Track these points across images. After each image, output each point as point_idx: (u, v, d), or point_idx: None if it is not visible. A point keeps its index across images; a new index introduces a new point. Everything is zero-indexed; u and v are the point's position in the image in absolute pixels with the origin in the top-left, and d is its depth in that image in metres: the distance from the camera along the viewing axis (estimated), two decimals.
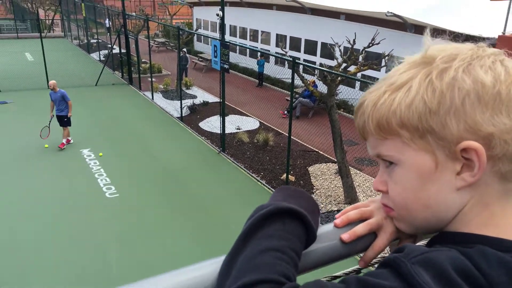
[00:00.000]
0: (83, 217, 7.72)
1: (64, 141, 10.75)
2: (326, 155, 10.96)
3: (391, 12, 13.58)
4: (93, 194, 8.61)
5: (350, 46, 8.26)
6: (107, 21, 24.85)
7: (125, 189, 8.84)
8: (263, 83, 19.08)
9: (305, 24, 18.34)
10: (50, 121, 10.68)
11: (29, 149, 10.63)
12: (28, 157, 10.21)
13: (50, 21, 35.47)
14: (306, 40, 18.65)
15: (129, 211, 8.02)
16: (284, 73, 18.23)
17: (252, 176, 9.72)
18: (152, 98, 15.82)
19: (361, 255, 0.73)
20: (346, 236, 0.70)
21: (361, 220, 0.73)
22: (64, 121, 10.60)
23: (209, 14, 25.25)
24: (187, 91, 17.29)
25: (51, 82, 10.75)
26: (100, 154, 10.49)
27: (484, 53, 0.58)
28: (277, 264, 0.54)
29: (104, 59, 21.20)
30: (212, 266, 0.60)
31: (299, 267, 0.62)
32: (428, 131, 0.57)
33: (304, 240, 0.63)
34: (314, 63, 16.75)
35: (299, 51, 18.95)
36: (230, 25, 24.74)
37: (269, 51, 19.46)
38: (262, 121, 13.76)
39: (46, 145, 10.64)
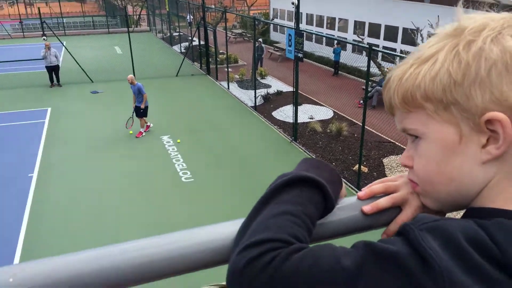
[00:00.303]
0: (160, 198, 8.25)
1: (142, 130, 11.46)
2: (402, 146, 10.47)
3: None
4: (170, 178, 9.13)
5: (433, 30, 7.76)
6: (188, 16, 25.95)
7: (200, 175, 9.24)
8: (339, 71, 18.67)
9: (385, 9, 17.55)
10: (133, 112, 11.47)
11: (117, 134, 11.54)
12: (116, 141, 11.10)
13: (137, 16, 37.91)
14: (386, 26, 17.86)
15: (202, 195, 8.38)
16: (361, 61, 17.66)
17: None
18: (228, 88, 16.27)
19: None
20: (368, 208, 0.69)
21: (386, 194, 0.71)
22: (140, 112, 11.30)
23: (285, 3, 25.15)
24: (262, 81, 17.50)
25: (128, 76, 11.52)
26: (178, 140, 11.06)
27: None
28: (289, 226, 0.56)
29: (184, 51, 22.18)
30: (233, 227, 0.63)
31: (315, 233, 0.64)
32: (452, 103, 0.56)
33: (322, 208, 0.64)
34: (394, 50, 15.98)
35: (378, 37, 18.21)
36: (306, 14, 24.48)
37: (346, 38, 18.95)
38: (336, 111, 13.51)
39: (131, 132, 11.47)
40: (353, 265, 0.50)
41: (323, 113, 13.29)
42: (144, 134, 11.47)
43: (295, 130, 11.08)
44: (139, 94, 11.20)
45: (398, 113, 0.64)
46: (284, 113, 13.20)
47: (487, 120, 0.54)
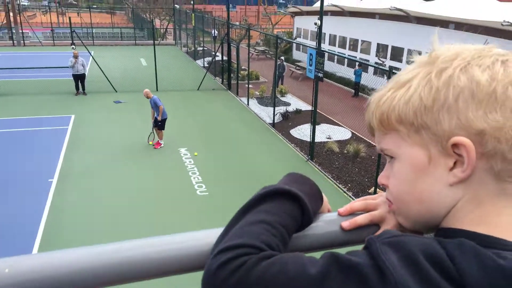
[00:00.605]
0: (174, 209, 8.32)
1: (160, 141, 11.63)
2: None
3: (508, 21, 12.36)
4: (186, 190, 9.21)
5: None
6: (213, 31, 26.48)
7: (215, 189, 9.30)
8: (360, 93, 18.62)
9: (409, 33, 17.53)
10: (153, 127, 11.66)
11: (136, 144, 11.75)
12: (134, 151, 11.30)
13: (164, 30, 38.84)
14: (409, 50, 17.80)
15: (216, 210, 8.40)
16: (382, 84, 17.59)
17: (339, 186, 9.55)
18: (248, 104, 16.41)
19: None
20: (346, 223, 0.72)
21: (366, 211, 0.74)
22: (158, 124, 11.49)
23: (309, 23, 25.40)
24: (282, 98, 17.60)
25: (144, 91, 11.70)
26: (196, 154, 11.18)
27: (488, 53, 0.59)
28: (263, 234, 0.60)
29: (207, 65, 22.56)
30: (216, 234, 0.67)
31: (294, 245, 0.69)
32: (422, 127, 0.59)
33: (300, 220, 0.67)
34: None
35: (401, 61, 18.16)
36: (330, 34, 24.64)
37: (368, 61, 18.96)
38: (354, 132, 13.45)
39: (150, 142, 11.65)
40: (318, 273, 0.53)
41: (341, 133, 13.25)
42: (162, 145, 11.62)
43: (311, 149, 11.07)
44: (155, 106, 11.41)
45: (376, 134, 0.68)
46: (302, 132, 13.22)
47: (454, 144, 0.56)
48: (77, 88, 16.95)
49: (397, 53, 18.56)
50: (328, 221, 0.74)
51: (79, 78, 16.82)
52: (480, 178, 0.57)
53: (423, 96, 0.58)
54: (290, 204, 0.66)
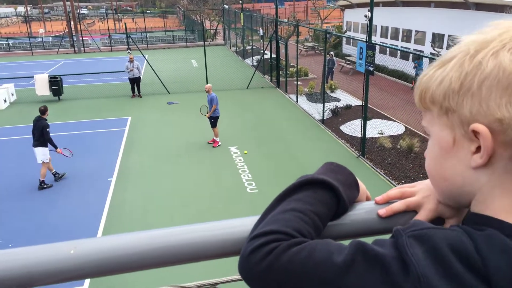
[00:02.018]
0: (226, 207, 8.50)
1: (216, 139, 11.89)
2: None
3: None
4: (236, 188, 9.38)
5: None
6: (260, 30, 26.66)
7: (265, 186, 9.38)
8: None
9: (467, 21, 16.61)
10: (207, 114, 11.93)
11: (188, 144, 12.13)
12: (187, 150, 11.67)
13: (214, 30, 39.59)
14: None
15: (266, 207, 8.47)
16: None
17: (391, 183, 9.29)
18: (297, 101, 16.36)
19: None
20: (383, 211, 0.74)
21: (403, 199, 0.75)
22: (212, 122, 11.77)
23: (359, 16, 24.80)
24: (331, 94, 17.36)
25: (206, 85, 12.10)
26: (245, 152, 11.34)
27: None
28: (295, 221, 0.63)
29: (256, 64, 22.73)
30: (251, 222, 0.72)
31: (331, 232, 0.72)
32: (449, 110, 0.59)
33: (334, 209, 0.70)
34: None
35: None
36: (381, 26, 23.92)
37: (422, 52, 18.20)
38: (408, 126, 12.99)
39: (206, 115, 11.92)
40: (343, 262, 0.55)
41: (394, 128, 12.85)
42: (220, 144, 11.86)
43: (363, 145, 10.84)
44: (210, 102, 11.68)
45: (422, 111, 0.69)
46: (353, 128, 12.97)
47: (473, 130, 0.56)
48: (133, 91, 17.68)
49: (455, 43, 17.66)
50: (365, 208, 0.75)
51: (135, 81, 17.55)
52: (505, 165, 0.56)
53: (453, 79, 0.58)
54: (324, 192, 0.69)
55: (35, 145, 9.52)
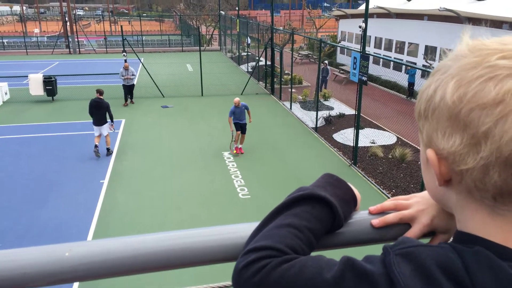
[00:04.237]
0: (217, 212, 8.48)
1: (240, 146, 11.80)
2: None
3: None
4: (228, 193, 9.36)
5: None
6: (248, 39, 26.88)
7: (257, 192, 9.38)
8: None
9: (459, 34, 16.83)
10: (233, 137, 11.69)
11: (181, 148, 12.10)
12: (179, 154, 11.63)
13: (210, 36, 39.67)
14: None
15: (258, 213, 8.47)
16: None
17: (382, 192, 9.34)
18: (290, 108, 16.41)
19: None
20: (376, 221, 0.75)
21: (397, 210, 0.76)
22: (245, 129, 11.77)
23: (354, 26, 25.03)
24: (325, 103, 17.45)
25: (236, 99, 11.73)
26: (235, 151, 11.43)
27: (486, 63, 0.52)
28: (290, 237, 0.64)
29: (251, 70, 22.80)
30: (249, 228, 0.73)
31: (325, 241, 0.72)
32: (420, 130, 0.62)
33: (329, 225, 0.71)
34: None
35: None
36: (375, 37, 24.16)
37: (415, 63, 18.40)
38: (400, 136, 13.09)
39: (235, 151, 11.74)
40: (332, 278, 0.56)
41: (386, 138, 12.94)
42: (243, 152, 11.76)
43: (355, 154, 10.90)
44: (244, 113, 11.62)
45: None
46: (345, 136, 13.04)
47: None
48: (126, 98, 16.94)
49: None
50: (360, 218, 0.77)
51: (129, 89, 16.92)
52: (466, 189, 0.56)
53: (422, 102, 0.59)
54: (321, 208, 0.70)
55: (101, 124, 11.23)
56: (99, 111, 11.25)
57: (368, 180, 9.99)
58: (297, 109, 16.50)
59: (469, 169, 0.52)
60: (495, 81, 0.50)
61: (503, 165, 0.50)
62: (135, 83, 17.53)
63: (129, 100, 17.22)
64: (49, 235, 7.53)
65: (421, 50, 19.68)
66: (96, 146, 11.21)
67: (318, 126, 13.87)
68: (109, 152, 11.50)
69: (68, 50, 34.49)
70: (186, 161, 11.15)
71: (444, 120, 0.54)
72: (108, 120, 11.46)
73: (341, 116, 15.11)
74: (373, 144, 12.26)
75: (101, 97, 11.43)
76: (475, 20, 16.01)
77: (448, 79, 0.55)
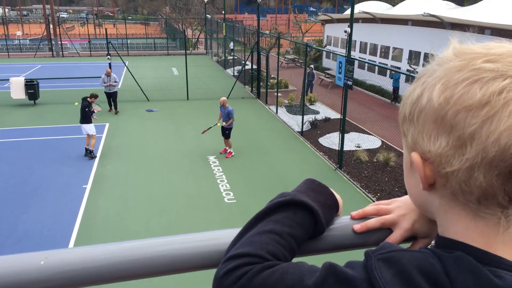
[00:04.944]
0: (203, 217, 8.43)
1: (229, 150, 11.83)
2: None
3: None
4: (214, 197, 9.32)
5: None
6: (232, 44, 26.97)
7: (242, 196, 9.36)
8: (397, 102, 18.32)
9: (443, 39, 17.11)
10: (214, 125, 12.04)
11: (166, 152, 12.01)
12: (165, 158, 11.54)
13: (196, 39, 39.60)
14: None
15: (243, 217, 8.44)
16: None
17: (367, 196, 9.41)
18: (276, 112, 16.46)
19: None
20: (357, 226, 0.75)
21: (378, 215, 0.76)
22: (226, 133, 11.74)
23: (339, 31, 25.30)
24: (311, 107, 17.55)
25: (221, 99, 11.99)
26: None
27: (472, 67, 0.53)
28: (271, 244, 0.63)
29: (237, 74, 22.81)
30: (231, 235, 0.72)
31: (307, 247, 0.72)
32: (404, 133, 0.61)
33: (311, 231, 0.70)
34: None
35: None
36: (360, 42, 24.44)
37: (399, 68, 18.67)
38: (384, 140, 13.24)
39: (202, 133, 11.82)
40: (314, 284, 0.55)
41: (371, 142, 13.07)
42: (233, 154, 11.78)
43: (340, 158, 10.97)
44: (227, 116, 11.60)
45: None
46: (331, 140, 13.13)
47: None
48: (109, 105, 16.20)
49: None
50: (341, 223, 0.76)
51: (111, 96, 16.12)
52: (451, 192, 0.56)
53: (406, 106, 0.60)
54: (303, 215, 0.69)
55: (82, 122, 11.59)
56: (80, 110, 11.68)
57: (354, 184, 10.06)
58: (283, 113, 16.55)
59: (454, 171, 0.52)
60: (480, 84, 0.51)
61: (488, 166, 0.50)
62: (117, 90, 16.36)
63: (113, 109, 16.20)
64: (30, 241, 7.38)
65: (405, 55, 19.97)
66: (86, 149, 11.53)
67: (304, 130, 13.93)
68: (87, 152, 11.52)
69: (51, 53, 34.03)
70: (171, 165, 11.07)
71: (430, 122, 0.54)
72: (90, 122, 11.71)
73: (327, 120, 15.22)
74: (358, 148, 12.36)
75: (90, 99, 11.85)
76: (458, 26, 16.34)
77: (435, 82, 0.55)
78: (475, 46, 0.56)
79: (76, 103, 12.60)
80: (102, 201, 9.02)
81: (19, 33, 45.57)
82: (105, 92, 16.10)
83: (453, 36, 0.59)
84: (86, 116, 11.54)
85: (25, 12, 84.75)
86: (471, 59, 0.53)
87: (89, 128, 11.56)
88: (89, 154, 11.50)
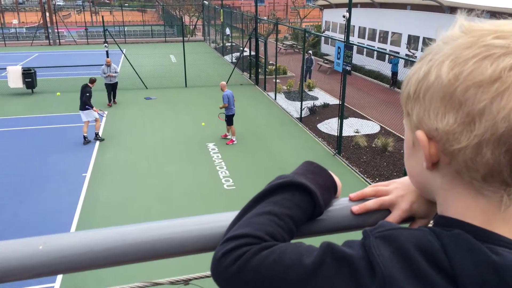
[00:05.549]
0: (202, 204, 8.46)
1: (230, 137, 11.81)
2: None
3: None
4: (213, 184, 9.35)
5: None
6: (227, 30, 26.71)
7: (242, 183, 9.38)
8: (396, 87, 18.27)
9: (442, 23, 16.93)
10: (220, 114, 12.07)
11: (165, 139, 12.00)
12: (164, 146, 11.54)
13: (193, 26, 39.25)
14: None
15: (243, 203, 8.33)
16: None
17: (366, 181, 9.44)
18: (275, 99, 16.41)
19: None
20: (356, 208, 0.75)
21: (377, 197, 0.76)
22: (226, 120, 11.72)
23: (338, 16, 25.08)
24: (309, 93, 17.49)
25: (221, 83, 12.11)
26: (203, 123, 11.65)
27: (482, 43, 0.52)
28: (269, 225, 0.63)
29: (235, 61, 22.67)
30: (229, 218, 0.72)
31: (306, 228, 0.72)
32: (407, 113, 0.61)
33: (309, 213, 0.70)
34: None
35: None
36: (359, 27, 24.24)
37: (398, 53, 18.55)
38: (383, 125, 13.23)
39: (203, 124, 12.15)
40: (312, 263, 0.56)
41: (370, 127, 13.06)
42: (235, 142, 11.75)
43: (339, 143, 10.98)
44: (222, 100, 11.59)
45: None
46: (329, 126, 13.12)
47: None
48: (109, 98, 15.50)
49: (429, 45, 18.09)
50: (340, 205, 0.76)
51: (112, 87, 15.49)
52: (454, 171, 0.56)
53: (411, 85, 0.59)
54: (301, 196, 0.69)
55: (82, 109, 11.64)
56: (81, 96, 11.71)
57: (352, 169, 10.08)
58: (281, 99, 16.50)
59: (462, 148, 0.52)
60: (491, 60, 0.50)
61: (497, 142, 0.50)
62: (117, 80, 15.76)
63: (112, 101, 15.71)
64: (31, 230, 7.41)
65: (404, 40, 19.83)
66: (84, 137, 11.57)
67: (302, 116, 13.90)
68: (97, 137, 11.80)
69: (48, 41, 33.73)
70: (170, 153, 11.08)
71: (437, 100, 0.54)
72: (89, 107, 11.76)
73: (326, 106, 15.18)
74: (357, 134, 12.36)
75: (89, 84, 11.96)
76: (457, 10, 16.19)
77: (443, 59, 0.54)
78: (483, 23, 0.56)
79: (58, 93, 12.56)
80: (102, 189, 9.05)
81: (15, 21, 45.15)
82: (105, 84, 15.28)
83: (460, 14, 0.58)
84: (86, 102, 11.60)
85: (20, 0, 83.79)
86: (480, 35, 0.53)
87: (89, 114, 11.64)
88: (97, 137, 11.82)
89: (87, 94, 11.65)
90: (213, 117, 13.91)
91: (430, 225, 0.70)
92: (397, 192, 0.75)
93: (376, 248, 0.54)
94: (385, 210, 0.75)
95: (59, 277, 6.22)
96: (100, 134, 12.06)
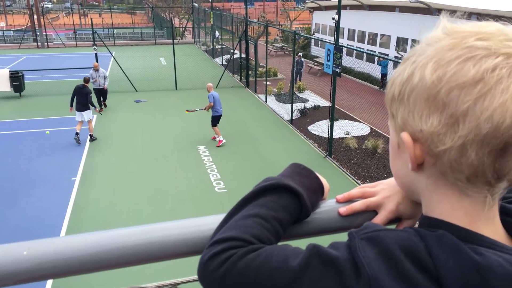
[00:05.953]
0: (194, 207, 8.43)
1: (218, 138, 11.74)
2: None
3: None
4: (204, 187, 9.31)
5: None
6: (216, 33, 26.69)
7: (233, 186, 9.36)
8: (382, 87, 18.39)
9: (430, 26, 17.15)
10: (199, 109, 12.28)
11: (155, 143, 11.93)
12: (154, 149, 11.47)
13: (183, 28, 39.15)
14: None
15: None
16: None
17: (357, 182, 9.49)
18: (266, 101, 16.43)
19: None
20: (343, 209, 0.75)
21: (363, 198, 0.77)
22: (211, 121, 11.76)
23: (327, 18, 25.19)
24: (300, 95, 17.55)
25: (208, 84, 12.14)
26: (47, 132, 12.01)
27: (464, 45, 0.52)
28: (256, 228, 0.63)
29: (225, 63, 22.66)
30: (216, 221, 0.71)
31: (293, 231, 0.72)
32: (392, 115, 0.61)
33: (296, 215, 0.70)
34: None
35: None
36: (348, 29, 24.39)
37: (387, 55, 18.71)
38: (373, 127, 13.32)
39: (186, 112, 11.83)
40: (298, 266, 0.56)
41: (360, 129, 13.14)
42: (224, 142, 11.71)
43: (330, 145, 11.02)
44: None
45: None
46: (320, 128, 13.16)
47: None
48: (99, 104, 14.78)
49: None
50: (327, 207, 0.76)
51: (101, 93, 14.96)
52: (438, 172, 0.56)
53: (395, 86, 0.59)
54: (288, 198, 0.69)
55: (83, 109, 11.61)
56: (81, 97, 11.66)
57: (343, 170, 10.13)
58: (272, 101, 16.53)
59: (446, 149, 0.53)
60: (473, 61, 0.51)
61: (481, 143, 0.50)
62: (106, 86, 15.04)
63: (103, 106, 15.06)
64: (19, 236, 7.31)
65: (393, 42, 20.00)
66: (77, 133, 11.59)
67: (293, 118, 13.94)
68: (91, 138, 11.92)
69: (36, 44, 33.38)
70: (161, 156, 11.02)
71: (421, 101, 0.54)
72: (92, 107, 11.97)
73: (316, 108, 15.24)
74: (348, 135, 12.43)
75: (86, 84, 11.98)
76: (445, 12, 16.38)
77: (426, 61, 0.55)
78: (466, 25, 0.57)
79: (47, 132, 12.47)
80: (91, 193, 8.96)
81: (2, 24, 44.61)
82: (94, 89, 14.38)
83: (442, 16, 0.60)
84: (87, 103, 11.66)
85: (8, 3, 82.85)
86: (462, 37, 0.53)
87: (87, 115, 11.77)
88: (91, 138, 11.92)
89: (90, 95, 11.76)
90: (203, 120, 13.89)
91: (416, 225, 0.71)
92: (384, 193, 0.75)
93: (361, 249, 0.54)
94: (372, 211, 0.75)
95: (49, 282, 6.13)
96: (93, 134, 12.13)
